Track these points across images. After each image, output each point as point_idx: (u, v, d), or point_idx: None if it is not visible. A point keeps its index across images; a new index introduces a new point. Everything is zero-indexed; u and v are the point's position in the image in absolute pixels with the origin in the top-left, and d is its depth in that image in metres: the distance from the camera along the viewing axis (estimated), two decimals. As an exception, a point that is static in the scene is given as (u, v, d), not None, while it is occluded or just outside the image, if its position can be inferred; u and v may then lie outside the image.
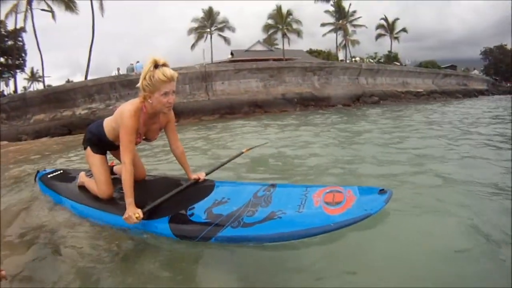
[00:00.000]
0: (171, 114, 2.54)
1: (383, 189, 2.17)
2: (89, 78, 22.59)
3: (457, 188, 3.10)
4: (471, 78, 38.54)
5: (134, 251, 2.22)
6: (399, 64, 36.77)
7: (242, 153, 3.46)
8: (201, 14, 33.34)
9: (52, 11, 25.72)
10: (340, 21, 36.55)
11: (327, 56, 41.96)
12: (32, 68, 46.26)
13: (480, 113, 12.33)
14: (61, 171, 3.55)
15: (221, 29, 33.52)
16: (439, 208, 2.62)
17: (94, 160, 2.65)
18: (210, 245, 2.12)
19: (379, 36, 42.01)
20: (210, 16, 33.01)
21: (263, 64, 18.95)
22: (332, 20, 37.39)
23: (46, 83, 30.87)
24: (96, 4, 25.04)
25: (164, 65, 2.19)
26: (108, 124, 2.58)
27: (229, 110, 16.00)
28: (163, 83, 2.16)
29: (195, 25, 33.43)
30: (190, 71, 16.56)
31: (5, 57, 33.28)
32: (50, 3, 25.40)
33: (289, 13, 29.39)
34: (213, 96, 16.57)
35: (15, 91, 28.21)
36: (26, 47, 34.50)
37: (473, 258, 1.92)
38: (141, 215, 2.16)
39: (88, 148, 2.68)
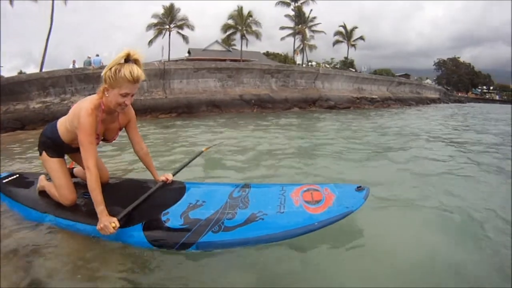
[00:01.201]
0: (132, 113, 2.39)
1: (360, 186, 2.22)
2: (44, 70, 21.48)
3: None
4: (424, 87, 40.55)
5: (105, 259, 2.08)
6: (354, 70, 38.11)
7: (202, 152, 3.43)
8: (161, 11, 32.80)
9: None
10: (300, 26, 37.32)
11: (284, 59, 42.71)
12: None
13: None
14: (17, 175, 3.13)
15: (180, 27, 33.00)
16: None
17: (51, 164, 2.41)
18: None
19: (336, 42, 43.34)
20: (170, 12, 32.43)
21: (222, 64, 19.12)
22: (291, 24, 38.13)
23: None
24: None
25: (136, 61, 2.04)
26: (62, 125, 2.37)
27: (187, 109, 15.96)
28: (126, 82, 2.00)
29: (155, 21, 32.80)
30: (148, 68, 16.30)
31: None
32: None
33: (249, 14, 29.50)
34: (171, 95, 16.44)
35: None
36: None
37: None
38: (118, 224, 2.00)
39: (44, 153, 2.43)
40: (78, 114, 2.06)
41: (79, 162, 2.53)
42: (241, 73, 18.86)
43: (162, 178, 2.47)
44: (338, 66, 43.99)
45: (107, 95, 2.07)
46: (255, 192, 2.33)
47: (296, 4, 36.53)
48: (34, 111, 14.00)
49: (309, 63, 37.30)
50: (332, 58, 48.46)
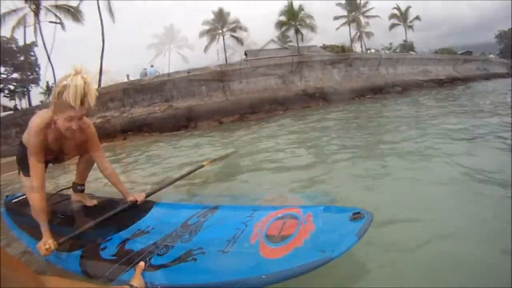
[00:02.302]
0: (91, 131, 2.20)
1: (358, 212, 1.55)
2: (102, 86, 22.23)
3: None
4: (490, 62, 37.65)
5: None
6: (415, 53, 35.68)
7: (203, 166, 3.14)
8: (211, 17, 32.94)
9: (61, 22, 25.47)
10: (353, 13, 35.56)
11: (342, 50, 41.04)
12: (47, 82, 46.48)
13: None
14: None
15: (233, 30, 32.93)
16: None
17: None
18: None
19: (393, 26, 41.01)
20: (221, 17, 32.57)
21: (281, 60, 18.18)
22: (344, 12, 36.47)
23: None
24: (105, 13, 24.62)
25: (85, 81, 1.78)
26: (25, 138, 2.16)
27: (250, 109, 15.25)
28: (68, 107, 1.79)
29: (206, 27, 33.02)
30: (206, 72, 15.97)
31: (19, 72, 33.42)
32: (57, 13, 25.12)
33: (300, 8, 28.55)
34: (231, 96, 15.88)
35: (30, 105, 28.10)
36: (39, 61, 34.62)
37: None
38: (52, 247, 1.88)
39: (21, 173, 2.25)
40: (29, 132, 1.97)
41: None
42: (301, 67, 17.76)
43: (131, 198, 2.27)
44: (398, 50, 41.34)
45: (55, 118, 1.90)
46: (217, 217, 1.95)
47: (346, -9, 34.91)
48: (96, 126, 14.15)
49: (368, 51, 35.42)
50: (390, 43, 45.68)
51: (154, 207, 2.28)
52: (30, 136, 1.97)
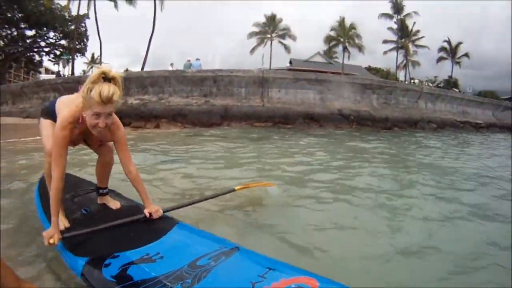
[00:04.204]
0: (119, 133, 2.18)
1: None
2: (146, 69, 22.90)
3: None
4: None
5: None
6: (458, 91, 34.79)
7: (234, 190, 2.96)
8: (263, 20, 33.23)
9: (115, 1, 26.49)
10: (403, 40, 35.09)
11: (386, 75, 40.45)
12: (93, 54, 47.89)
13: None
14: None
15: (282, 36, 33.14)
16: None
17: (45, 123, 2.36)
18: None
19: (440, 59, 40.10)
20: (272, 22, 32.74)
21: (322, 76, 18.24)
22: (394, 38, 36.11)
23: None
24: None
25: (114, 80, 1.90)
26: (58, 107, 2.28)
27: (283, 120, 15.45)
28: (95, 103, 1.85)
29: (256, 29, 33.36)
30: (247, 75, 16.22)
31: (67, 40, 34.64)
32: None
33: (352, 26, 28.46)
34: (268, 103, 16.08)
35: (72, 73, 29.19)
36: (88, 33, 35.82)
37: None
38: (56, 242, 1.93)
39: (41, 119, 2.39)
40: (59, 120, 2.01)
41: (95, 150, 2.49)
42: (341, 86, 17.75)
43: (147, 210, 2.21)
44: (441, 85, 40.42)
45: (84, 115, 1.97)
46: (228, 265, 1.76)
47: (399, 17, 34.43)
48: (132, 107, 14.81)
49: (412, 81, 34.85)
50: (435, 77, 44.84)
51: (175, 228, 2.18)
52: (57, 128, 1.99)
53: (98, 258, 1.91)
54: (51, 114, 2.31)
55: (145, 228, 2.18)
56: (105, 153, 2.46)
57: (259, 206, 3.40)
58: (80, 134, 2.15)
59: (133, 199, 2.65)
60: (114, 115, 2.07)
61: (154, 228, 2.17)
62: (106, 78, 1.89)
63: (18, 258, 2.23)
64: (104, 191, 2.57)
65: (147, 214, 2.20)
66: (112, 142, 2.30)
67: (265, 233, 2.79)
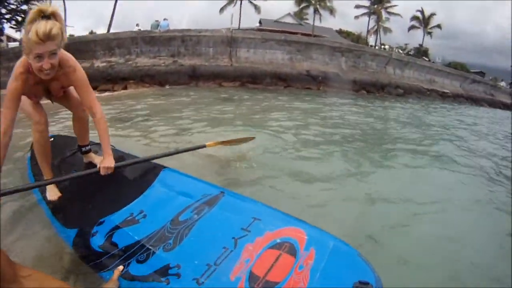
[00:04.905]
0: (77, 75, 1.98)
1: (366, 283, 1.23)
2: (111, 31, 22.07)
3: None
4: (499, 89, 36.88)
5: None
6: (427, 60, 35.41)
7: (204, 146, 2.91)
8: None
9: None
10: (376, 6, 35.10)
11: (357, 39, 40.45)
12: (56, 17, 45.44)
13: None
14: (53, 138, 2.68)
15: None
16: None
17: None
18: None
19: (412, 27, 40.32)
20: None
21: (292, 37, 18.18)
22: (367, 3, 35.97)
23: (70, 33, 30.39)
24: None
25: (54, 15, 1.69)
26: None
27: (251, 79, 15.48)
28: (34, 44, 1.66)
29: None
30: (216, 35, 16.01)
31: (29, 4, 32.77)
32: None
33: (323, -12, 28.14)
34: (236, 63, 16.02)
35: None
36: (51, -4, 33.91)
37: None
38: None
39: None
40: (12, 72, 1.85)
41: (65, 105, 2.33)
42: (310, 48, 17.81)
43: (96, 159, 2.29)
44: (411, 53, 40.99)
45: (29, 61, 1.78)
46: (211, 217, 1.72)
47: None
48: (98, 70, 14.42)
49: (382, 46, 35.14)
50: (406, 44, 45.27)
51: (159, 177, 2.12)
52: (9, 81, 1.85)
53: (86, 228, 1.88)
54: None
55: (129, 182, 2.11)
56: (75, 108, 2.29)
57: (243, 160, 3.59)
58: (37, 84, 1.93)
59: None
60: (68, 57, 1.94)
61: (138, 182, 2.11)
62: (45, 16, 1.67)
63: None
64: (87, 148, 2.45)
65: (99, 168, 2.01)
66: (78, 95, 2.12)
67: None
